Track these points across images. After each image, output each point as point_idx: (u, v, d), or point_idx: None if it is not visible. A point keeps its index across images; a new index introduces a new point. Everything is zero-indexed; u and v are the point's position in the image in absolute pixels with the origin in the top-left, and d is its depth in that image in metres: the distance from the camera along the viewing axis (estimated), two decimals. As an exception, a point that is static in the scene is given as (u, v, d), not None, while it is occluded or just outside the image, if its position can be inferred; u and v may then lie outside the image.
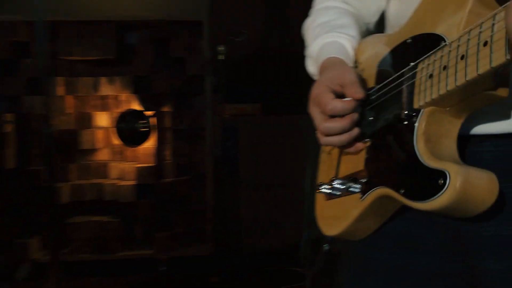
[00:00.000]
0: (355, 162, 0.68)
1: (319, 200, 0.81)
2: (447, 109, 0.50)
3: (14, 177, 2.12)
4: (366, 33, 0.82)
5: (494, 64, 0.39)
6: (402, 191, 0.51)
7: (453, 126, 0.51)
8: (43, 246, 2.10)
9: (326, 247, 0.84)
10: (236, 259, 2.21)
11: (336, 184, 0.68)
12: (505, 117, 0.53)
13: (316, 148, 0.92)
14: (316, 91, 0.64)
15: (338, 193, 0.69)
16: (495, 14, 0.40)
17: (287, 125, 2.63)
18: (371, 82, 0.68)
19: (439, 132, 0.51)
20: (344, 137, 0.62)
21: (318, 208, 0.81)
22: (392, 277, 0.68)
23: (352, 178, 0.66)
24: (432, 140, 0.50)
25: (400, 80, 0.57)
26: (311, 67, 0.80)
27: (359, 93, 0.61)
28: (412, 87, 0.53)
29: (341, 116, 0.62)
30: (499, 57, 0.38)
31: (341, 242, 0.81)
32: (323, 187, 0.72)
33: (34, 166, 2.13)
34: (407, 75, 0.55)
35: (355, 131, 0.62)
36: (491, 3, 0.48)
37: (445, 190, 0.43)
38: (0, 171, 2.07)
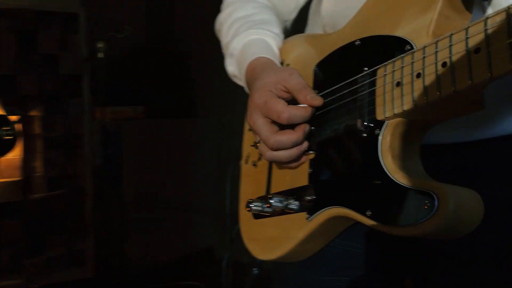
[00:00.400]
0: (295, 176, 0.61)
1: (245, 220, 0.72)
2: (413, 120, 0.46)
3: None
4: (284, 32, 0.76)
5: (495, 73, 0.35)
6: (369, 213, 0.45)
7: (418, 139, 0.47)
8: None
9: (255, 271, 0.75)
10: (121, 281, 2.00)
11: (274, 201, 0.60)
12: (463, 126, 0.51)
13: (235, 159, 0.84)
14: (262, 99, 0.55)
15: (274, 211, 0.61)
16: (487, 18, 0.36)
17: (173, 129, 2.49)
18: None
19: (405, 146, 0.46)
20: (294, 152, 0.55)
21: (245, 229, 0.72)
22: None
23: (294, 195, 0.59)
24: (399, 155, 0.45)
25: (353, 88, 0.51)
26: (231, 66, 0.72)
27: (318, 99, 0.54)
28: (371, 95, 0.48)
29: (292, 127, 0.54)
30: (502, 65, 0.34)
31: (274, 264, 0.74)
32: (253, 204, 0.64)
33: None
34: (363, 82, 0.50)
35: (305, 144, 0.55)
36: (459, 6, 0.45)
37: (434, 214, 0.38)
38: None
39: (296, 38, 0.70)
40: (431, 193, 0.39)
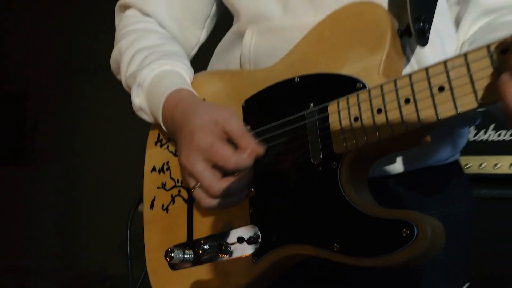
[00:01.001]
0: (229, 218, 0.57)
1: (158, 273, 0.64)
2: (368, 153, 0.48)
3: None
4: None
5: (461, 109, 0.39)
6: (337, 247, 0.45)
7: (367, 171, 0.49)
8: None
9: None
10: None
11: (209, 247, 0.55)
12: (404, 157, 0.55)
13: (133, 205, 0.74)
14: (206, 140, 0.50)
15: (208, 258, 0.56)
16: (446, 60, 0.41)
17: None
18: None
19: (361, 178, 0.48)
20: (238, 198, 0.52)
21: (159, 284, 0.63)
22: None
23: (231, 238, 0.54)
24: (358, 187, 0.47)
25: (300, 124, 0.51)
26: (139, 98, 0.65)
27: (261, 147, 0.52)
28: (324, 131, 0.49)
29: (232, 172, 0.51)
30: (469, 102, 0.39)
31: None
32: (175, 253, 0.57)
33: None
34: (311, 118, 0.50)
35: (248, 190, 0.53)
36: (399, 49, 0.50)
37: (414, 240, 0.40)
38: None
39: (208, 74, 0.68)
40: (409, 222, 0.41)
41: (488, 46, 0.38)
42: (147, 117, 0.66)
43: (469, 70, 0.39)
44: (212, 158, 0.50)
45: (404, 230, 0.41)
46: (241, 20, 0.63)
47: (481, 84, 0.39)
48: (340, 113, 0.48)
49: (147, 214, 0.68)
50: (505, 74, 0.36)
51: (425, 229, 0.40)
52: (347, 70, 0.50)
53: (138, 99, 0.64)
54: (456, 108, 0.40)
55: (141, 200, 0.71)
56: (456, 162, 0.63)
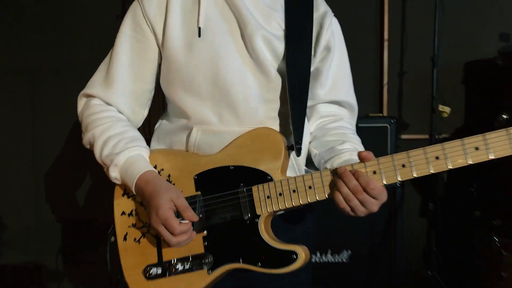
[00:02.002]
0: (189, 248, 0.94)
1: (136, 284, 0.98)
2: (271, 213, 0.91)
3: None
4: None
5: (319, 198, 0.85)
6: (259, 264, 0.89)
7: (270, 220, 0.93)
8: None
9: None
10: None
11: (180, 265, 0.93)
12: None
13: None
14: (165, 215, 0.89)
15: (177, 271, 0.94)
16: (312, 173, 0.86)
17: None
18: (190, 189, 0.96)
19: (268, 228, 0.92)
20: (187, 242, 0.92)
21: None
22: None
23: (194, 259, 0.93)
24: (268, 230, 0.91)
25: (235, 196, 0.92)
26: (115, 173, 0.98)
27: (195, 218, 0.92)
28: (251, 201, 0.90)
29: None
30: (320, 194, 0.85)
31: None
32: (153, 269, 0.94)
33: None
34: (243, 193, 0.92)
35: (194, 234, 0.92)
36: (287, 158, 0.93)
37: (297, 260, 0.86)
38: None
39: (164, 151, 1.03)
40: (295, 251, 0.86)
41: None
42: (118, 182, 0.99)
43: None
44: (166, 226, 0.89)
45: (293, 256, 0.86)
46: (190, 120, 0.99)
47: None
48: (259, 192, 0.91)
49: (121, 244, 1.01)
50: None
51: (303, 255, 0.87)
52: (262, 167, 0.92)
53: (114, 174, 0.97)
54: (325, 195, 0.86)
55: (113, 234, 1.03)
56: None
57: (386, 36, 2.69)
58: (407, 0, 2.67)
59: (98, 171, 1.02)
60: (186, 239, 0.90)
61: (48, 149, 2.81)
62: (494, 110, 2.37)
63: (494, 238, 2.21)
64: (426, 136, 2.59)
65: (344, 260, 2.33)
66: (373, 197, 0.82)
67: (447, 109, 2.50)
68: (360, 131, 1.13)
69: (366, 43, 2.71)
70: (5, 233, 2.83)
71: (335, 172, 0.84)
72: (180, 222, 0.89)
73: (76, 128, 2.67)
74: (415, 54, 2.68)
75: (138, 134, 1.02)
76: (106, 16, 2.67)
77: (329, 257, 2.34)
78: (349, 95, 1.10)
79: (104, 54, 1.08)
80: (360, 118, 1.26)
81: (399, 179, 0.82)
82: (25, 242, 2.83)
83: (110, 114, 1.01)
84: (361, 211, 0.83)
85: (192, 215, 0.90)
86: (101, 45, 1.75)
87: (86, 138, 1.01)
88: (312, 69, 1.04)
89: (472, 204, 2.48)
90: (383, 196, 0.84)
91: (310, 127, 1.07)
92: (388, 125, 2.34)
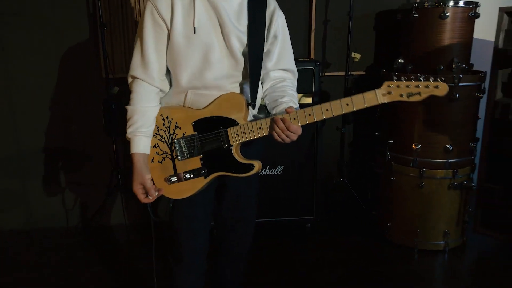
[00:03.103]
0: (192, 165, 1.59)
1: (163, 186, 1.61)
2: (239, 143, 1.57)
3: None
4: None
5: (265, 134, 1.51)
6: (233, 171, 1.55)
7: (238, 147, 1.59)
8: None
9: (171, 204, 1.66)
10: None
11: (189, 174, 1.58)
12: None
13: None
14: (140, 181, 1.56)
15: (185, 178, 1.59)
16: (261, 120, 1.51)
17: None
18: (190, 131, 1.58)
19: (237, 151, 1.57)
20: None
21: (165, 191, 1.61)
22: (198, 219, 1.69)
23: (197, 171, 1.58)
24: (238, 153, 1.57)
25: (218, 134, 1.55)
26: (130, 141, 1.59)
27: (154, 197, 1.57)
28: (227, 136, 1.55)
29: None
30: (265, 132, 1.51)
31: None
32: (172, 178, 1.59)
33: None
34: (222, 133, 1.55)
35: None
36: (247, 111, 1.57)
37: (254, 169, 1.54)
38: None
39: (172, 107, 1.61)
40: (252, 163, 1.54)
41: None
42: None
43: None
44: (146, 190, 1.58)
45: (252, 166, 1.54)
46: (182, 86, 1.57)
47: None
48: (231, 132, 1.54)
49: (150, 165, 1.62)
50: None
51: (257, 166, 1.54)
52: (232, 117, 1.55)
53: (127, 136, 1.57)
54: (268, 132, 1.52)
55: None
56: None
57: None
58: None
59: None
60: (143, 198, 1.59)
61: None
62: (394, 55, 3.06)
63: (387, 153, 3.01)
64: (342, 73, 3.27)
65: (279, 172, 3.08)
66: (292, 132, 1.48)
67: (358, 56, 3.19)
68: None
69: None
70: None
71: (272, 119, 1.50)
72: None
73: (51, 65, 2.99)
74: (337, 6, 3.27)
75: (152, 118, 1.59)
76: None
77: (268, 171, 3.08)
78: (290, 64, 1.69)
79: None
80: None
81: (307, 122, 1.47)
82: (9, 168, 3.21)
83: (143, 92, 1.57)
84: (287, 140, 1.49)
85: (152, 194, 1.59)
86: None
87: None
88: (265, 50, 1.64)
89: (374, 128, 3.22)
90: (299, 131, 1.47)
91: (265, 87, 1.68)
92: (313, 68, 2.99)
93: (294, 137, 1.49)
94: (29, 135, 3.17)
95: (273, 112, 1.60)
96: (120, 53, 3.06)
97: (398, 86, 1.40)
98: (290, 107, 1.51)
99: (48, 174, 3.26)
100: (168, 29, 1.54)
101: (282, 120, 1.47)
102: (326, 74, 3.35)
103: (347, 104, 1.45)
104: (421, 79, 1.39)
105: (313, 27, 3.26)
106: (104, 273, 2.74)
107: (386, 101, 1.43)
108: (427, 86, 1.37)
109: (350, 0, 3.10)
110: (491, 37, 2.83)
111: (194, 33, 1.52)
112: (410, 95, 1.38)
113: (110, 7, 2.99)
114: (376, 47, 3.39)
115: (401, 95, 1.40)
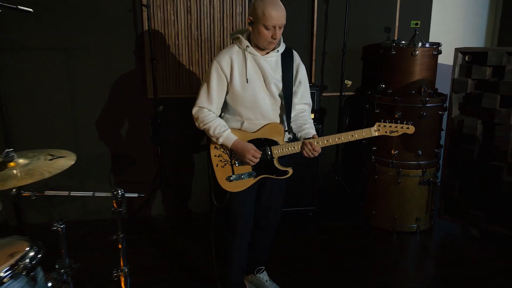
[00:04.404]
0: (245, 169, 2.42)
1: (223, 183, 2.43)
2: (278, 156, 2.40)
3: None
4: None
5: (296, 151, 2.34)
6: (274, 174, 2.39)
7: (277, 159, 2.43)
8: None
9: (228, 195, 2.48)
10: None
11: (244, 175, 2.41)
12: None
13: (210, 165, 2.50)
14: (251, 150, 2.32)
15: (243, 178, 2.42)
16: (293, 143, 2.34)
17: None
18: (247, 147, 2.42)
19: (277, 161, 2.41)
20: (255, 162, 2.36)
21: (223, 185, 2.43)
22: (247, 205, 2.51)
23: (249, 173, 2.41)
24: (277, 162, 2.40)
25: (265, 150, 2.38)
26: (221, 140, 2.38)
27: (259, 156, 2.37)
28: (271, 152, 2.37)
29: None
30: (296, 150, 2.35)
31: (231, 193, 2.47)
32: (232, 177, 2.42)
33: None
34: (267, 149, 2.38)
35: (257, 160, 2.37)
36: (284, 136, 2.41)
37: (288, 173, 2.38)
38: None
39: (234, 129, 2.41)
40: (287, 170, 2.38)
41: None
42: (219, 143, 2.39)
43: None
44: (253, 154, 2.34)
45: (287, 171, 2.38)
46: (242, 118, 2.39)
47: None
48: (273, 149, 2.38)
49: (215, 168, 2.44)
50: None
51: (290, 171, 2.38)
52: (275, 139, 2.38)
53: (220, 140, 2.36)
54: (298, 150, 2.36)
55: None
56: None
57: (315, 31, 4.02)
58: (328, 5, 4.00)
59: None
60: (256, 160, 2.32)
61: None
62: (377, 81, 3.91)
63: (372, 157, 3.87)
64: (337, 94, 4.12)
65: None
66: (316, 151, 2.30)
67: (349, 82, 4.03)
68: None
69: (302, 35, 4.07)
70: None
71: (303, 142, 2.33)
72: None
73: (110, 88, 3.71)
74: (333, 42, 4.10)
75: (224, 122, 2.38)
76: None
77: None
78: (308, 99, 2.52)
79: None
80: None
81: (325, 145, 2.32)
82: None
83: (212, 116, 2.37)
84: (311, 156, 2.31)
85: (258, 154, 2.32)
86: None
87: (202, 126, 2.37)
88: (293, 91, 2.48)
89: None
90: (320, 151, 2.29)
91: (291, 115, 2.50)
92: (315, 91, 3.82)
93: (316, 154, 2.32)
94: (87, 144, 3.89)
95: (298, 134, 2.43)
96: (160, 80, 3.85)
97: (384, 126, 2.27)
98: (315, 135, 2.34)
99: (101, 175, 4.02)
100: (227, 81, 2.35)
101: (310, 144, 2.30)
102: (324, 94, 4.17)
103: (352, 136, 2.30)
104: (398, 122, 2.27)
105: (313, 58, 4.09)
106: (152, 252, 3.50)
107: (376, 135, 2.29)
108: (402, 127, 2.25)
109: (344, 36, 3.95)
110: (450, 69, 3.72)
111: (247, 82, 2.35)
112: (391, 132, 2.25)
113: (155, 45, 3.78)
114: (363, 73, 4.23)
115: (386, 132, 2.26)
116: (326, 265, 3.29)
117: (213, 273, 2.73)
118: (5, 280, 1.50)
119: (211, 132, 2.34)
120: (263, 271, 2.85)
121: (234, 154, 2.37)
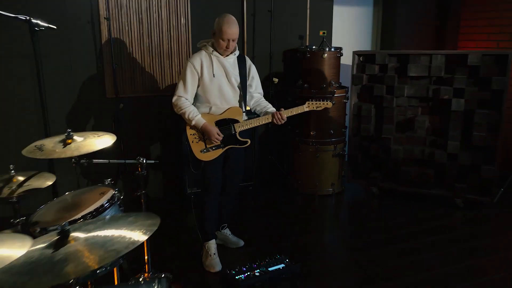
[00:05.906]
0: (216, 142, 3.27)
1: (198, 154, 3.25)
2: (240, 131, 3.29)
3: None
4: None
5: (250, 126, 3.26)
6: (237, 144, 3.25)
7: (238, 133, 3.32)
8: None
9: (202, 164, 3.28)
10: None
11: (214, 147, 3.26)
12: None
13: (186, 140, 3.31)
14: (214, 133, 3.16)
15: (213, 149, 3.26)
16: (253, 118, 3.25)
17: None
18: (213, 125, 3.26)
19: (239, 135, 3.29)
20: (217, 141, 3.21)
21: (198, 156, 3.24)
22: (217, 170, 3.35)
23: (219, 145, 3.25)
24: (240, 135, 3.28)
25: (228, 126, 3.24)
26: (193, 122, 3.20)
27: (220, 138, 3.23)
28: (234, 127, 3.24)
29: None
30: (251, 125, 3.26)
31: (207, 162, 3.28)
32: (205, 150, 3.27)
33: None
34: (232, 126, 3.24)
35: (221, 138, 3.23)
36: (242, 116, 3.31)
37: (248, 143, 3.26)
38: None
39: (203, 113, 3.25)
40: (247, 140, 3.26)
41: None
42: (191, 125, 3.22)
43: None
44: (215, 136, 3.16)
45: (247, 141, 3.29)
46: (210, 104, 3.22)
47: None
48: (236, 125, 3.25)
49: (191, 144, 3.26)
50: None
51: (249, 141, 3.29)
52: (236, 118, 3.25)
53: (193, 123, 3.18)
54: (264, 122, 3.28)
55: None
56: None
57: (245, 39, 4.94)
58: (255, 19, 4.92)
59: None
60: (218, 140, 3.16)
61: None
62: (296, 78, 4.94)
63: (296, 138, 4.88)
64: (268, 90, 5.08)
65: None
66: (283, 120, 3.18)
67: (276, 80, 5.02)
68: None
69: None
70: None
71: (272, 114, 3.21)
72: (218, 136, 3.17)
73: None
74: (260, 47, 5.03)
75: (196, 109, 3.19)
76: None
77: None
78: (261, 89, 3.42)
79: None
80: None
81: (289, 114, 3.25)
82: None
83: (187, 103, 3.17)
84: (279, 124, 3.19)
85: (219, 137, 3.17)
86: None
87: (180, 111, 3.14)
88: (247, 84, 3.37)
89: (288, 124, 5.08)
90: (286, 119, 3.19)
91: (252, 102, 3.36)
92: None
93: (283, 122, 3.20)
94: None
95: (263, 112, 3.31)
96: (118, 82, 4.51)
97: (312, 103, 3.27)
98: (281, 108, 3.27)
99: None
100: (198, 76, 3.20)
101: (280, 114, 3.19)
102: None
103: (291, 112, 3.27)
104: (321, 99, 3.29)
105: (245, 60, 5.00)
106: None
107: (307, 110, 3.29)
108: (323, 104, 3.28)
109: (270, 43, 4.93)
110: (349, 67, 4.89)
111: (214, 77, 3.21)
112: (317, 107, 3.26)
113: (114, 51, 4.43)
114: (285, 72, 5.26)
115: (314, 107, 3.27)
116: (263, 223, 4.20)
117: (195, 228, 3.52)
118: (106, 206, 2.38)
119: (186, 116, 3.16)
120: (226, 227, 3.70)
121: None
